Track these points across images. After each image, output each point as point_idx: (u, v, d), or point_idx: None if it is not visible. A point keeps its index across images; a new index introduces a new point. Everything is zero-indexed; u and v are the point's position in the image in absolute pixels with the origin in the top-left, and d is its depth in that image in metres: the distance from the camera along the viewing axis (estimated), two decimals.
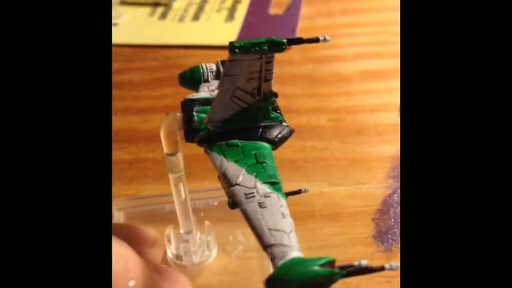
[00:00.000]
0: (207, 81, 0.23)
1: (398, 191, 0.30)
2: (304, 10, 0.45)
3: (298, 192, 0.21)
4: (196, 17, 0.44)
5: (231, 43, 0.18)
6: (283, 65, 0.39)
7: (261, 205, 0.18)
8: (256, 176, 0.19)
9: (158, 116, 0.36)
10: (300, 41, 0.18)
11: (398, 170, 0.31)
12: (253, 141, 0.20)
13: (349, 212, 0.29)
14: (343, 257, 0.26)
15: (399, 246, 0.27)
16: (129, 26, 0.44)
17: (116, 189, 0.31)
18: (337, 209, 0.29)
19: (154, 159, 0.33)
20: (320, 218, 0.29)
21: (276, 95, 0.20)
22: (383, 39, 0.41)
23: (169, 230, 0.26)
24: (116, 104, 0.37)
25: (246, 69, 0.19)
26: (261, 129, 0.20)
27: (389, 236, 0.28)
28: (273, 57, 0.19)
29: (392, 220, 0.28)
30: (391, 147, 0.33)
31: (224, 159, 0.19)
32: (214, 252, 0.27)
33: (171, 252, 0.26)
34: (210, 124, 0.20)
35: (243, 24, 0.43)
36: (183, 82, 0.23)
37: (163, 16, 0.44)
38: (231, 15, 0.44)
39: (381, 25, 0.43)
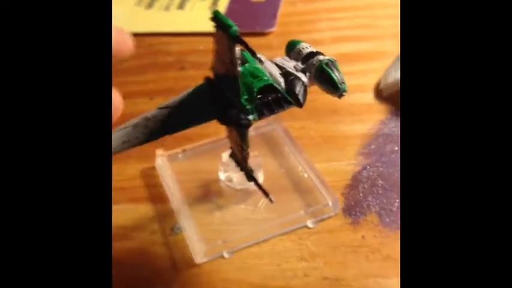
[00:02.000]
0: None
1: (368, 167, 0.31)
2: None
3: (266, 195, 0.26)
4: (181, 6, 0.45)
5: (215, 11, 0.21)
6: (263, 50, 0.39)
7: None
8: None
9: (143, 99, 0.37)
10: (242, 42, 0.20)
11: (369, 147, 0.32)
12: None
13: None
14: (314, 229, 0.28)
15: (367, 218, 0.28)
16: (116, 16, 0.45)
17: None
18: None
19: None
20: (293, 192, 0.30)
21: None
22: (362, 23, 0.42)
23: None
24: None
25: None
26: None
27: (357, 209, 0.29)
28: (232, 44, 0.20)
29: (361, 194, 0.30)
30: (363, 126, 0.34)
31: None
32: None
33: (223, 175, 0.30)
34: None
35: (227, 12, 0.44)
36: None
37: (150, 6, 0.46)
38: (214, 3, 0.45)
39: (362, 9, 0.44)
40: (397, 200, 0.29)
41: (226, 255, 0.27)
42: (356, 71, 0.38)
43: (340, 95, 0.23)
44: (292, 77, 0.23)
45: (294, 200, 0.29)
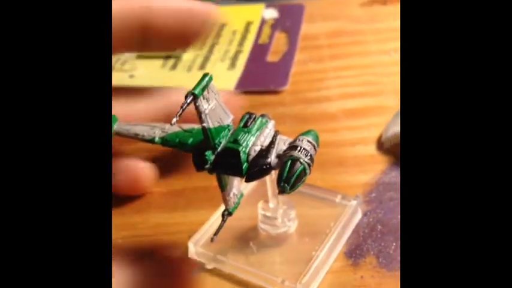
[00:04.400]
0: None
1: (368, 213, 0.34)
2: (298, 56, 0.50)
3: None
4: (202, 67, 0.50)
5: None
6: (276, 107, 0.44)
7: None
8: None
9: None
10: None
11: (370, 195, 0.35)
12: None
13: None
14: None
15: (366, 260, 0.31)
16: (143, 77, 0.50)
17: (125, 219, 0.36)
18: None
19: (159, 193, 0.38)
20: (301, 236, 0.33)
21: None
22: (367, 80, 0.46)
23: (260, 204, 0.33)
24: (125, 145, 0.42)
25: None
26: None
27: (357, 252, 0.32)
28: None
29: (361, 238, 0.33)
30: (366, 176, 0.37)
31: None
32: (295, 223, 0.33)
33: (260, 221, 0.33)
34: None
35: (243, 71, 0.48)
36: None
37: (174, 67, 0.50)
38: (232, 64, 0.49)
39: (366, 68, 0.47)
40: (394, 243, 0.32)
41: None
42: (360, 125, 0.41)
43: (279, 191, 0.26)
44: (265, 154, 0.27)
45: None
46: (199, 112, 0.26)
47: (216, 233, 0.28)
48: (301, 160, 0.26)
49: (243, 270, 0.31)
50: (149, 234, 0.35)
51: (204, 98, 0.26)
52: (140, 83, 0.49)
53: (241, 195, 0.29)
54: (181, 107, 0.25)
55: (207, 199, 0.36)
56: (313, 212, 0.34)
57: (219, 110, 0.27)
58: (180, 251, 0.33)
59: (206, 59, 0.51)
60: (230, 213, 0.28)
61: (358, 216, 0.34)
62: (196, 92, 0.25)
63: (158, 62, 0.51)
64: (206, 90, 0.26)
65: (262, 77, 0.48)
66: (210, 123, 0.26)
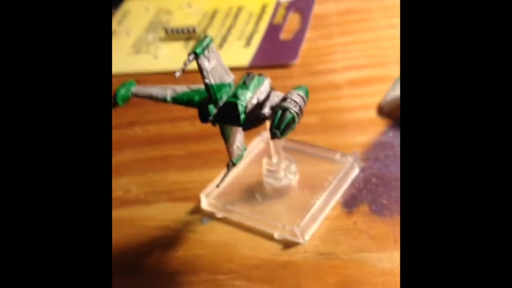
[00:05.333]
0: None
1: (365, 169, 0.37)
2: (309, 34, 0.53)
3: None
4: (220, 46, 0.53)
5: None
6: (285, 79, 0.48)
7: None
8: None
9: (185, 123, 0.45)
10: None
11: (367, 153, 0.38)
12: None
13: None
14: None
15: (360, 208, 0.34)
16: (166, 58, 0.54)
17: (147, 177, 0.40)
18: None
19: (178, 155, 0.42)
20: (301, 188, 0.36)
21: None
22: (372, 53, 0.49)
23: (265, 160, 0.37)
24: (153, 116, 0.46)
25: None
26: None
27: (352, 201, 0.35)
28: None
29: (356, 190, 0.36)
30: (365, 137, 0.40)
31: None
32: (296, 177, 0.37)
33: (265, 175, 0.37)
34: None
35: (258, 49, 0.52)
36: None
37: None
38: (248, 43, 0.53)
39: (372, 41, 0.50)
40: (386, 194, 0.35)
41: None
42: (363, 93, 0.44)
43: (271, 136, 0.29)
44: (260, 106, 0.30)
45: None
46: (201, 69, 0.29)
47: (221, 180, 0.32)
48: (291, 110, 0.29)
49: (248, 218, 0.35)
50: (166, 190, 0.39)
51: (205, 57, 0.29)
52: (163, 63, 0.53)
53: (244, 148, 0.33)
54: (184, 63, 0.29)
55: (221, 160, 0.40)
56: (313, 168, 0.38)
57: (220, 69, 0.31)
58: (193, 203, 0.37)
59: (224, 39, 0.55)
60: (234, 164, 0.32)
61: (355, 171, 0.37)
62: (197, 51, 0.29)
63: (180, 43, 0.55)
64: (207, 50, 0.30)
65: (274, 53, 0.51)
66: (212, 80, 0.30)
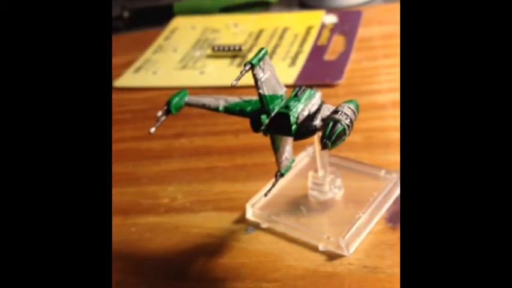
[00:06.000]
0: None
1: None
2: (353, 56, 0.54)
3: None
4: None
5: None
6: (331, 98, 0.48)
7: None
8: None
9: (230, 136, 0.46)
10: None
11: None
12: None
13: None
14: None
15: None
16: (212, 74, 0.55)
17: (192, 187, 0.41)
18: None
19: (223, 167, 0.43)
20: (346, 202, 0.37)
21: None
22: None
23: (311, 173, 0.37)
24: (198, 129, 0.48)
25: None
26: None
27: (397, 217, 0.35)
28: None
29: (397, 206, 0.36)
30: None
31: None
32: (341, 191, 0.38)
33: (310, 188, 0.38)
34: None
35: (302, 68, 0.53)
36: None
37: (240, 65, 0.56)
38: (293, 62, 0.54)
39: None
40: None
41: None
42: None
43: (322, 147, 0.29)
44: (311, 118, 0.31)
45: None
46: (255, 80, 0.30)
47: (269, 189, 0.32)
48: (342, 122, 0.30)
49: (293, 229, 0.35)
50: (212, 199, 0.40)
51: (260, 68, 0.30)
52: (209, 79, 0.54)
53: (293, 160, 0.33)
54: (241, 73, 0.30)
55: (265, 172, 0.41)
56: (358, 184, 0.38)
57: (274, 81, 0.32)
58: (237, 213, 0.38)
59: (269, 58, 0.56)
60: (282, 175, 0.33)
61: (399, 187, 0.37)
62: (253, 62, 0.30)
63: (226, 61, 0.57)
64: (262, 61, 0.31)
65: (319, 73, 0.52)
66: (265, 91, 0.31)
